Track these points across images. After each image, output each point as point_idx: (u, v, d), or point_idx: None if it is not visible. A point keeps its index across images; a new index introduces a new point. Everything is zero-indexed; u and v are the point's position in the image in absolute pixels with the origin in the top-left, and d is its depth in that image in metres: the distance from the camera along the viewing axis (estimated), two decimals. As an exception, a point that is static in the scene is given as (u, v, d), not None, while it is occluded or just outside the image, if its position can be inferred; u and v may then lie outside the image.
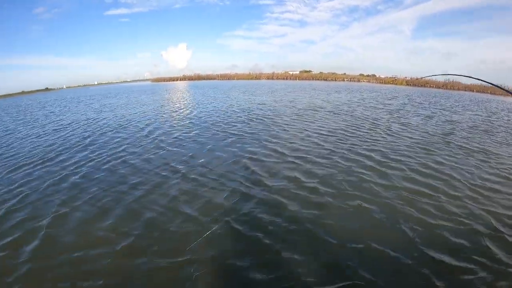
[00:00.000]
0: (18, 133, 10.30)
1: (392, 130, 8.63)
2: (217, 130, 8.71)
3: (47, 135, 9.33)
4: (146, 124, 10.07)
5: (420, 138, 7.83)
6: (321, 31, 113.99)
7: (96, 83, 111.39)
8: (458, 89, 49.61)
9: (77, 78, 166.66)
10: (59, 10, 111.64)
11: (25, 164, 6.23)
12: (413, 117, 11.39)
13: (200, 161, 5.88)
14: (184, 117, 11.60)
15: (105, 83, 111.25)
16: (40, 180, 5.16)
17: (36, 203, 4.29)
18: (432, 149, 6.66)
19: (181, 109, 14.35)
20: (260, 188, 4.53)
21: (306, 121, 9.87)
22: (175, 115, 12.29)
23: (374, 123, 9.65)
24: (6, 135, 10.09)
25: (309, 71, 71.39)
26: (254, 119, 10.31)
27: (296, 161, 5.74)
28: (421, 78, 49.48)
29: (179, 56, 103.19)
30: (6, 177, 5.54)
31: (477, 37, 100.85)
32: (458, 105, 17.38)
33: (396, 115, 11.72)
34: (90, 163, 5.97)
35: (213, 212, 3.85)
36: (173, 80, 73.96)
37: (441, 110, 14.07)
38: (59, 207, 4.12)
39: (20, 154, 7.11)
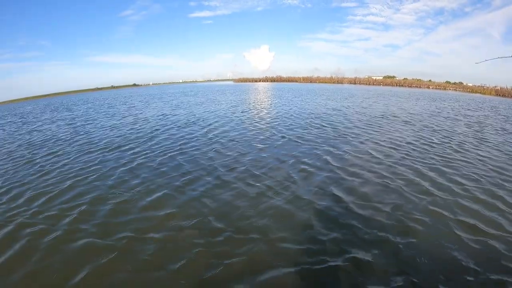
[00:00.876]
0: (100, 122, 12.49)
1: (464, 147, 7.51)
2: (274, 132, 8.80)
3: (123, 127, 10.99)
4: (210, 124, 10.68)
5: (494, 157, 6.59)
6: (405, 35, 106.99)
7: (181, 81, 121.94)
8: None
9: (164, 75, 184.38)
10: (146, 12, 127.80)
11: (98, 149, 7.65)
12: (493, 133, 9.74)
13: (248, 159, 6.20)
14: (251, 118, 11.92)
15: (190, 82, 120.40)
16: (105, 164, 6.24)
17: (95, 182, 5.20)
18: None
19: (251, 110, 14.75)
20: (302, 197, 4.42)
21: (372, 131, 9.22)
22: (244, 117, 12.63)
23: (448, 137, 8.57)
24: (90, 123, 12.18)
25: (393, 77, 67.96)
26: (318, 126, 10.03)
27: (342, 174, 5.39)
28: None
29: (261, 58, 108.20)
30: (82, 159, 6.81)
31: None
32: None
33: (474, 128, 10.22)
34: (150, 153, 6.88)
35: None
36: (256, 81, 76.77)
37: None
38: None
39: (96, 142, 8.54)
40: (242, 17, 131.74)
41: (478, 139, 8.56)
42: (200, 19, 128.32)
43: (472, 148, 7.41)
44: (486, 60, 3.74)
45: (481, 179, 5.22)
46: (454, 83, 60.91)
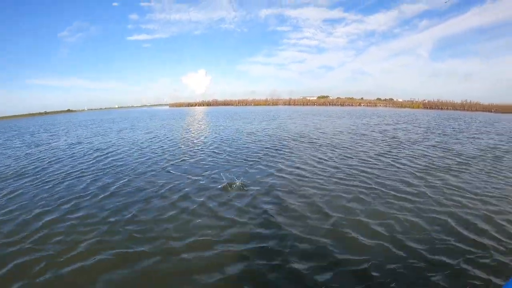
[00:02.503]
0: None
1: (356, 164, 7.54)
2: (157, 160, 8.09)
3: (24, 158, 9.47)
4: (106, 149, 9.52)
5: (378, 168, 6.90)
6: (338, 57, 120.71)
7: (117, 106, 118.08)
8: (476, 110, 49.01)
9: (100, 100, 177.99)
10: (83, 34, 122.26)
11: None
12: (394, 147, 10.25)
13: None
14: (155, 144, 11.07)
15: (126, 107, 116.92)
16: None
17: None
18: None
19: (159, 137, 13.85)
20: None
21: (269, 154, 8.91)
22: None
23: (344, 154, 8.71)
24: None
25: (327, 97, 73.46)
26: (221, 151, 9.54)
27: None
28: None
29: (198, 82, 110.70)
30: None
31: (495, 55, 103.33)
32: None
33: (379, 143, 10.82)
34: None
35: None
36: (191, 105, 75.89)
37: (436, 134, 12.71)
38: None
39: None
40: (180, 41, 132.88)
41: (377, 154, 8.85)
42: (139, 42, 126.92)
43: (363, 164, 7.49)
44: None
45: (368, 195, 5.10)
46: (385, 100, 66.77)
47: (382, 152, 9.24)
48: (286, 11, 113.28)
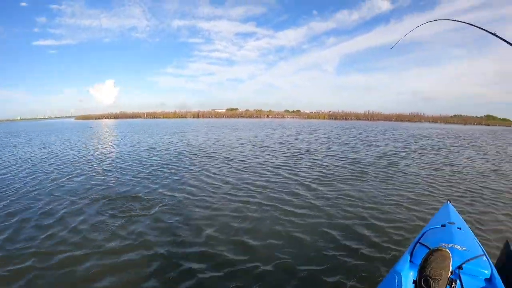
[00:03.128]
0: None
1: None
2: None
3: None
4: None
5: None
6: (249, 70, 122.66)
7: (19, 118, 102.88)
8: (378, 119, 54.30)
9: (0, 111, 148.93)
10: None
11: None
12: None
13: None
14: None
15: (30, 119, 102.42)
16: None
17: None
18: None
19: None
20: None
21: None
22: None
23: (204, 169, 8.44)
24: None
25: (235, 109, 73.51)
26: (112, 168, 8.81)
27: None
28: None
29: (106, 93, 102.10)
30: None
31: (393, 70, 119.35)
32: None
33: (278, 154, 10.98)
34: None
35: None
36: (98, 118, 70.20)
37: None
38: None
39: None
40: (89, 49, 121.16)
41: (273, 166, 8.57)
42: (45, 47, 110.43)
43: (256, 177, 7.18)
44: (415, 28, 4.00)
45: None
46: (293, 111, 68.88)
47: (279, 164, 9.17)
48: (199, 23, 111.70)
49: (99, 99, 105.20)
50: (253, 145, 13.82)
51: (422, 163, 9.49)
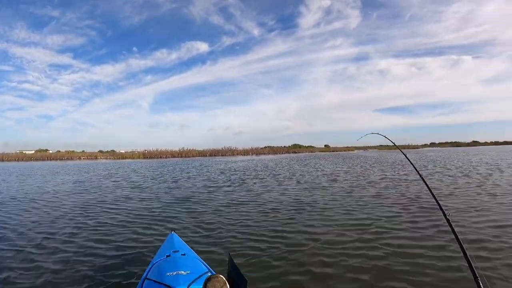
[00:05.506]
0: None
1: None
2: None
3: None
4: None
5: None
6: (61, 106, 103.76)
7: None
8: (193, 156, 56.31)
9: None
10: None
11: None
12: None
13: None
14: None
15: None
16: None
17: None
18: None
19: None
20: None
21: None
22: None
23: None
24: None
25: (46, 150, 64.93)
26: None
27: None
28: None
29: None
30: None
31: (207, 108, 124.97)
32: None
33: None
34: None
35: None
36: None
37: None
38: None
39: None
40: None
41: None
42: None
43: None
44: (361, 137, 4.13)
45: None
46: (107, 151, 63.84)
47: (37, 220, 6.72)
48: (13, 47, 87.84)
49: None
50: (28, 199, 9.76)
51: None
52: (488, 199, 7.10)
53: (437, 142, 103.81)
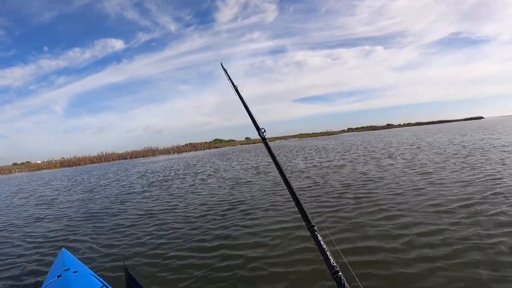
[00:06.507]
0: None
1: None
2: None
3: None
4: None
5: None
6: None
7: None
8: (113, 159, 52.58)
9: None
10: None
11: None
12: None
13: None
14: None
15: None
16: None
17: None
18: None
19: None
20: None
21: None
22: None
23: None
24: None
25: None
26: None
27: None
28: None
29: None
30: None
31: (125, 108, 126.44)
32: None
33: None
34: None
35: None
36: None
37: None
38: None
39: None
40: None
41: None
42: None
43: None
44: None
45: None
46: (22, 164, 57.61)
47: None
48: None
49: None
50: None
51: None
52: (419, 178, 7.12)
53: (354, 127, 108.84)
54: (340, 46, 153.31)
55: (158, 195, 8.77)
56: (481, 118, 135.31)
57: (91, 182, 15.51)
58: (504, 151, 10.56)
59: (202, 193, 8.23)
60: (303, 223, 1.45)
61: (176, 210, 6.43)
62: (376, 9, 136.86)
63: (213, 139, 74.43)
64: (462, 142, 16.18)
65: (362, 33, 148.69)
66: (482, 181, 6.19)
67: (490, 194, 5.07)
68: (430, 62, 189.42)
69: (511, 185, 5.58)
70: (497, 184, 5.76)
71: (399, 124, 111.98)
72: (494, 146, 12.24)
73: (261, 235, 4.21)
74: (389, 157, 12.16)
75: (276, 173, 10.08)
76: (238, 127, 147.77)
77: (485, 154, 10.08)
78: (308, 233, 1.39)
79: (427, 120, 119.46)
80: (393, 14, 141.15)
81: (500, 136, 17.93)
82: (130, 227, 5.42)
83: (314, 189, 7.15)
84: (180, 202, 7.34)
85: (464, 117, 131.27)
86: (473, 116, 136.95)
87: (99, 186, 13.02)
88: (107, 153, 56.00)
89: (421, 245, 3.25)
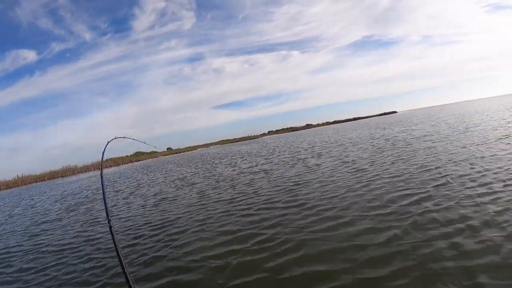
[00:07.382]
0: None
1: None
2: None
3: None
4: None
5: None
6: None
7: None
8: (30, 182, 47.49)
9: None
10: None
11: None
12: None
13: None
14: None
15: None
16: None
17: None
18: None
19: None
20: None
21: None
22: None
23: None
24: None
25: None
26: None
27: None
28: None
29: None
30: None
31: (40, 126, 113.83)
32: None
33: None
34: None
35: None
36: None
37: None
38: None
39: None
40: None
41: None
42: None
43: None
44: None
45: None
46: None
47: None
48: None
49: None
50: None
51: None
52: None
53: (274, 130, 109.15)
54: (258, 51, 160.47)
55: (76, 221, 7.67)
56: (395, 112, 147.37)
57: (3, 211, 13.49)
58: (426, 140, 11.49)
59: (123, 216, 7.22)
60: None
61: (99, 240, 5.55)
62: (292, 15, 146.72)
63: (135, 152, 70.56)
64: (383, 135, 17.31)
65: (279, 39, 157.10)
66: (419, 172, 6.17)
67: (432, 187, 4.76)
68: (345, 64, 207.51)
69: (449, 174, 5.59)
70: (436, 175, 5.74)
71: (318, 124, 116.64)
72: (415, 137, 13.25)
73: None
74: (316, 157, 12.34)
75: (203, 184, 9.88)
76: (160, 137, 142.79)
77: (409, 145, 10.68)
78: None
79: (344, 118, 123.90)
80: (308, 20, 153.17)
81: (417, 127, 19.79)
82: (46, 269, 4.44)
83: (243, 200, 6.63)
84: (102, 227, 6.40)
85: (379, 113, 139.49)
86: (387, 111, 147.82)
87: (4, 218, 11.11)
88: (24, 175, 50.27)
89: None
